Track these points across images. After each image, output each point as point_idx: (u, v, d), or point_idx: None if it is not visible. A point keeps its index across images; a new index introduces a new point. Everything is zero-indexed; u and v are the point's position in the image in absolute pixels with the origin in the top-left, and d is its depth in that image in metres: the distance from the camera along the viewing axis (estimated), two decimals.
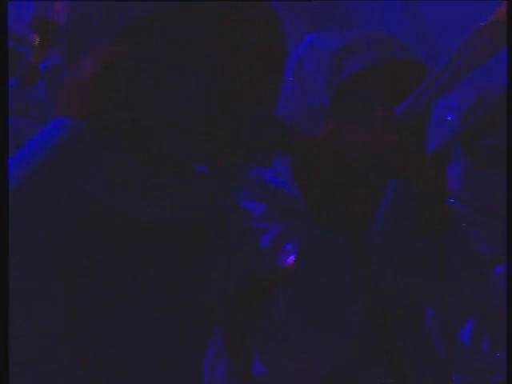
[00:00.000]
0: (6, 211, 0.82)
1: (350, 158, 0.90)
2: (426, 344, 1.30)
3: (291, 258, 1.15)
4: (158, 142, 0.95)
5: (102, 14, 0.94)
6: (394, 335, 0.97)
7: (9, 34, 3.87)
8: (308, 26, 5.57)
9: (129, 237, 0.99)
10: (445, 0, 5.34)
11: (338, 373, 1.19)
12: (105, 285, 0.96)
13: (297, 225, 1.16)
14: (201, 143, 0.95)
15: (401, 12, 5.53)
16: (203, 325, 1.04)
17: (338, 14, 5.99)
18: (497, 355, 1.52)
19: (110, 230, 0.97)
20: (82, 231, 0.94)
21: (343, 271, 0.94)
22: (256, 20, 0.98)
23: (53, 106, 0.92)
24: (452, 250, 1.23)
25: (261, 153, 0.97)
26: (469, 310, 1.36)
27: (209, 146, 0.95)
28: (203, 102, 0.94)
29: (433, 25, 6.06)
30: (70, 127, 0.87)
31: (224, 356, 1.15)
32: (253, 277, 1.06)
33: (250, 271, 1.07)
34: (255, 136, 0.92)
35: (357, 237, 0.91)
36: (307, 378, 1.16)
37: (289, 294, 0.99)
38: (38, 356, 0.93)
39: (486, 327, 1.53)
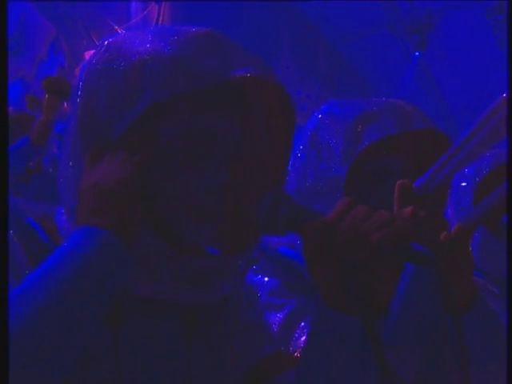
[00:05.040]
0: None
1: (363, 239, 0.84)
2: None
3: (302, 340, 1.09)
4: (177, 227, 0.93)
5: (121, 92, 0.89)
6: None
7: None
8: (323, 90, 5.63)
9: (158, 319, 0.96)
10: (457, 65, 5.39)
11: None
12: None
13: (311, 301, 1.11)
14: (216, 227, 0.93)
15: (414, 76, 5.58)
16: None
17: (351, 77, 6.05)
18: None
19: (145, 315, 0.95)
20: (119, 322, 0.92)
21: (356, 356, 0.88)
22: (266, 107, 0.97)
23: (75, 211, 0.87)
24: (476, 325, 1.17)
25: (273, 232, 0.93)
26: None
27: (223, 229, 0.93)
28: (218, 192, 0.92)
29: (445, 89, 6.11)
30: (100, 239, 0.83)
31: None
32: (261, 360, 1.01)
33: (259, 354, 1.02)
34: (267, 217, 0.89)
35: (371, 322, 0.85)
36: None
37: (296, 377, 0.94)
38: None
39: None
